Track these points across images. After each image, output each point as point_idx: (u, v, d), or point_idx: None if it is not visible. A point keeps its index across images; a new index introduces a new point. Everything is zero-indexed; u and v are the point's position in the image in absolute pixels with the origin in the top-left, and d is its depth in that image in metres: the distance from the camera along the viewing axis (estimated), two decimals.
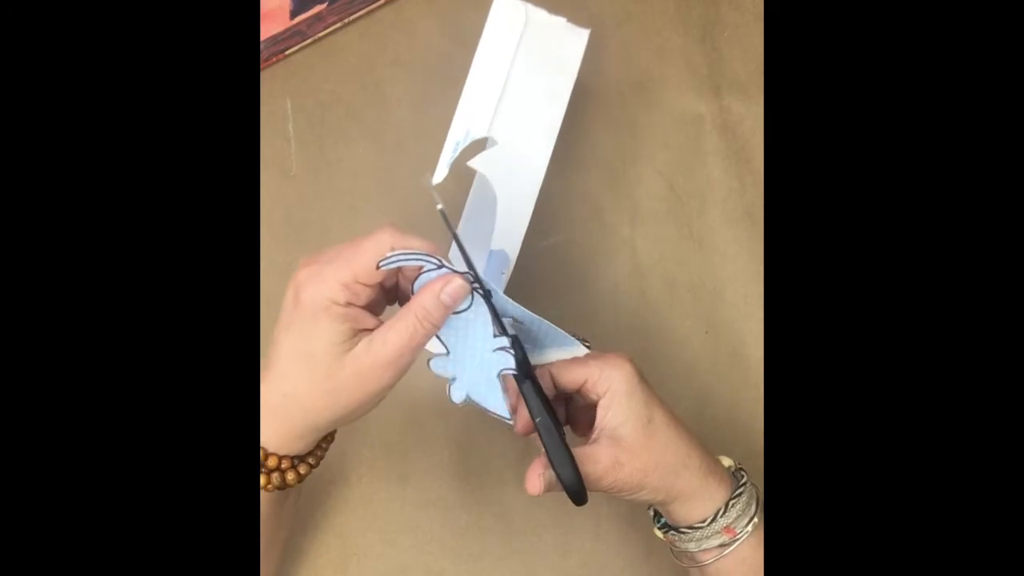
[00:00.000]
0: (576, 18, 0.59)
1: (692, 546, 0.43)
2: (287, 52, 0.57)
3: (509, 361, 0.40)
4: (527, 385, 0.40)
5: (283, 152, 0.56)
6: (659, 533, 0.46)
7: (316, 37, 0.57)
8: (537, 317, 0.42)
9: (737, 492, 0.43)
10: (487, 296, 0.39)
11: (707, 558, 0.43)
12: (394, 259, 0.37)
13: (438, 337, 0.40)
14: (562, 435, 0.40)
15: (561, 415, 0.45)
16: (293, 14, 0.55)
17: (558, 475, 0.39)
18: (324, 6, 0.56)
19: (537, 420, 0.40)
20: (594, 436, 0.42)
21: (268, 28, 0.55)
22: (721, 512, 0.42)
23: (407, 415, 0.53)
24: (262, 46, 0.55)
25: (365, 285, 0.37)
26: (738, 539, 0.42)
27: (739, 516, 0.42)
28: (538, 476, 0.39)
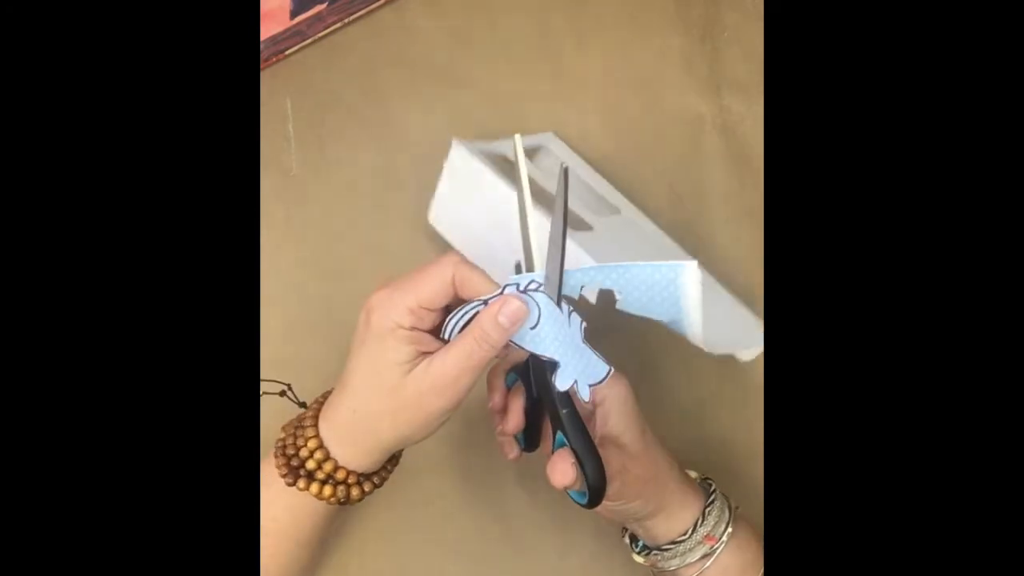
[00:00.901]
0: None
1: (676, 562, 0.43)
2: (287, 52, 0.57)
3: (577, 319, 0.39)
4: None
5: (283, 152, 0.56)
6: (639, 558, 0.46)
7: (316, 37, 0.57)
8: (622, 266, 0.39)
9: (710, 499, 0.43)
10: (558, 284, 0.38)
11: (691, 573, 0.43)
12: (452, 328, 0.39)
13: (552, 359, 0.39)
14: (589, 433, 0.39)
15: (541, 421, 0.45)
16: (293, 14, 0.55)
17: (585, 472, 0.38)
18: (324, 6, 0.56)
19: (564, 412, 0.39)
20: (597, 441, 0.42)
21: (268, 28, 0.55)
22: (700, 521, 0.42)
23: None
24: (262, 46, 0.55)
25: (429, 310, 0.39)
26: (718, 547, 0.42)
27: (716, 523, 0.43)
28: (571, 465, 0.38)
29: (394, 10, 0.58)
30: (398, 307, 0.38)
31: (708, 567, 0.42)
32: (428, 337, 0.39)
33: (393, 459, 0.43)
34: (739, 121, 0.58)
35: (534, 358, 0.40)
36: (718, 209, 0.57)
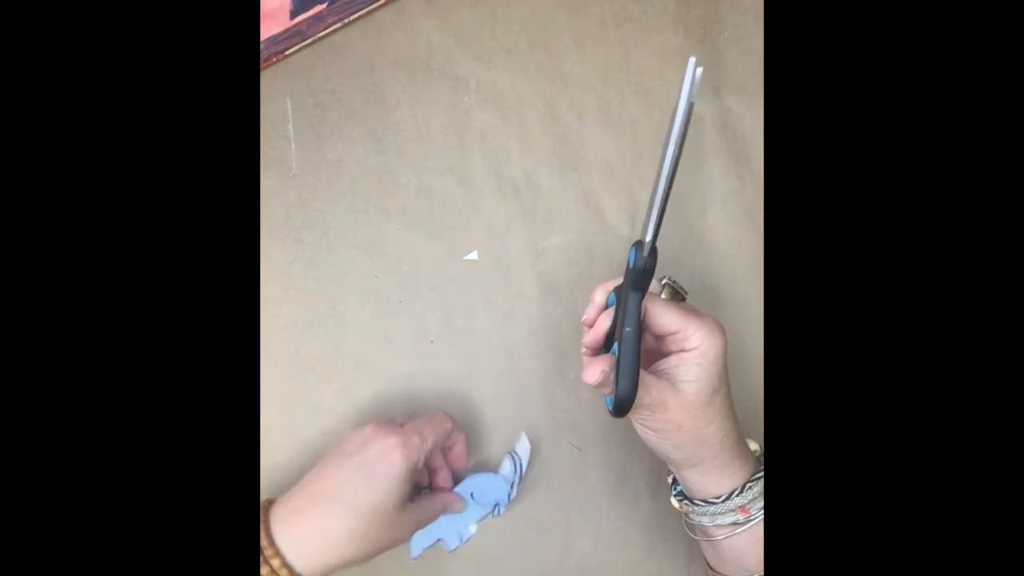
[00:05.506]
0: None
1: (706, 520, 0.43)
2: (287, 52, 0.57)
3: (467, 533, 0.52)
4: (635, 296, 0.41)
5: (283, 152, 0.56)
6: (675, 502, 0.47)
7: (316, 37, 0.57)
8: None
9: (756, 476, 0.43)
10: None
11: (720, 534, 0.43)
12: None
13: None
14: (638, 354, 0.41)
15: None
16: (293, 14, 0.55)
17: (617, 382, 0.40)
18: (324, 6, 0.56)
19: (627, 329, 0.40)
20: (661, 369, 0.42)
21: (268, 28, 0.55)
22: (738, 492, 0.43)
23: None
24: (262, 46, 0.55)
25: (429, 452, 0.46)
26: (752, 520, 0.42)
27: (755, 499, 0.43)
28: (601, 371, 0.40)
29: (394, 10, 0.58)
30: (418, 452, 0.45)
31: (738, 534, 0.43)
32: (417, 474, 0.47)
33: None
34: (739, 121, 0.58)
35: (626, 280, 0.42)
36: (718, 209, 0.57)
